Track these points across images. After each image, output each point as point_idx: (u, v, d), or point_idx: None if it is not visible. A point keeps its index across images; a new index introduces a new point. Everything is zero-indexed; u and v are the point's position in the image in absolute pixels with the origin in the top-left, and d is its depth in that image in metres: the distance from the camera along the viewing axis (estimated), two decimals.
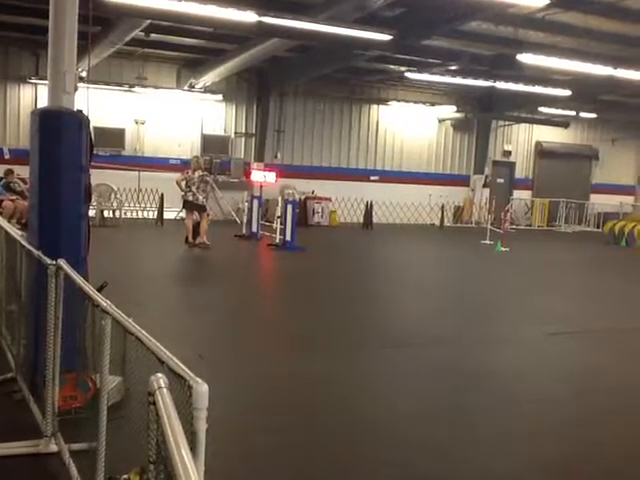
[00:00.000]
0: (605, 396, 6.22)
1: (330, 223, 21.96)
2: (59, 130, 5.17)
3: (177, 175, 14.94)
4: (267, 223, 18.12)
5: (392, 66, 19.32)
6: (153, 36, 16.40)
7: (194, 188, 14.24)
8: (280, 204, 16.52)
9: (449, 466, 4.57)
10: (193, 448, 2.06)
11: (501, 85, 19.52)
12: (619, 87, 18.86)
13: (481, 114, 24.78)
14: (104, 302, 3.36)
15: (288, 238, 15.17)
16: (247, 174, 19.73)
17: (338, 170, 23.05)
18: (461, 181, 25.20)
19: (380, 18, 13.76)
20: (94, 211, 17.08)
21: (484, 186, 25.26)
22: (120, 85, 19.45)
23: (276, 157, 22.04)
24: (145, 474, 2.48)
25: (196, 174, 14.36)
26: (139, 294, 9.20)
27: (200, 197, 14.30)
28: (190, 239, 14.39)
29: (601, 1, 12.94)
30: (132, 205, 19.66)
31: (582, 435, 5.25)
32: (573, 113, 24.18)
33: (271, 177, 16.89)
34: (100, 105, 16.18)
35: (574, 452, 4.91)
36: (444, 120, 24.81)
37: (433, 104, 24.14)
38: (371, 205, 22.11)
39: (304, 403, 5.59)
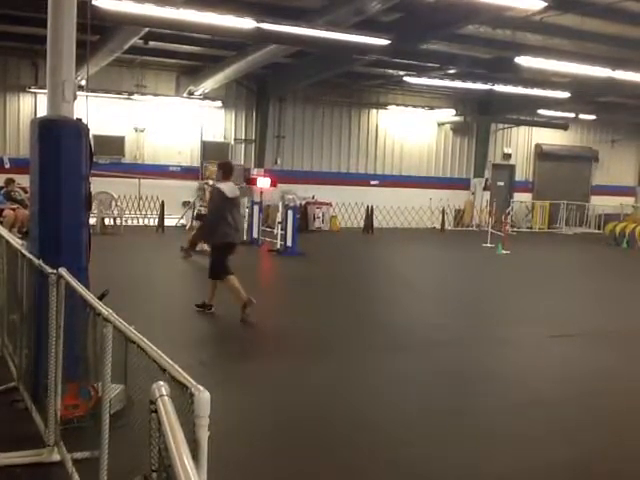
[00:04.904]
0: (605, 398, 6.20)
1: (331, 228, 21.96)
2: (59, 139, 5.17)
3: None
4: (268, 229, 18.11)
5: (391, 70, 19.36)
6: (152, 44, 16.41)
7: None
8: (280, 210, 16.50)
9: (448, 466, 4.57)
10: (195, 456, 2.05)
11: (500, 88, 19.50)
12: (618, 88, 18.87)
13: (480, 117, 24.78)
14: (105, 310, 3.36)
15: (289, 244, 15.16)
16: (247, 180, 19.73)
17: (338, 175, 23.07)
18: (461, 184, 25.20)
19: (378, 23, 13.78)
20: (95, 219, 17.09)
21: (484, 189, 25.29)
22: (119, 93, 19.49)
23: (276, 163, 22.06)
24: None
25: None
26: (140, 301, 9.19)
27: (197, 205, 14.28)
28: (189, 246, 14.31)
29: (598, 3, 12.93)
30: (133, 212, 19.68)
31: (584, 437, 5.24)
32: (572, 115, 24.19)
33: (265, 183, 16.86)
34: (100, 113, 16.20)
35: (576, 453, 4.90)
36: (443, 124, 24.84)
37: (432, 108, 24.14)
38: (372, 209, 22.10)
39: (307, 406, 5.59)
